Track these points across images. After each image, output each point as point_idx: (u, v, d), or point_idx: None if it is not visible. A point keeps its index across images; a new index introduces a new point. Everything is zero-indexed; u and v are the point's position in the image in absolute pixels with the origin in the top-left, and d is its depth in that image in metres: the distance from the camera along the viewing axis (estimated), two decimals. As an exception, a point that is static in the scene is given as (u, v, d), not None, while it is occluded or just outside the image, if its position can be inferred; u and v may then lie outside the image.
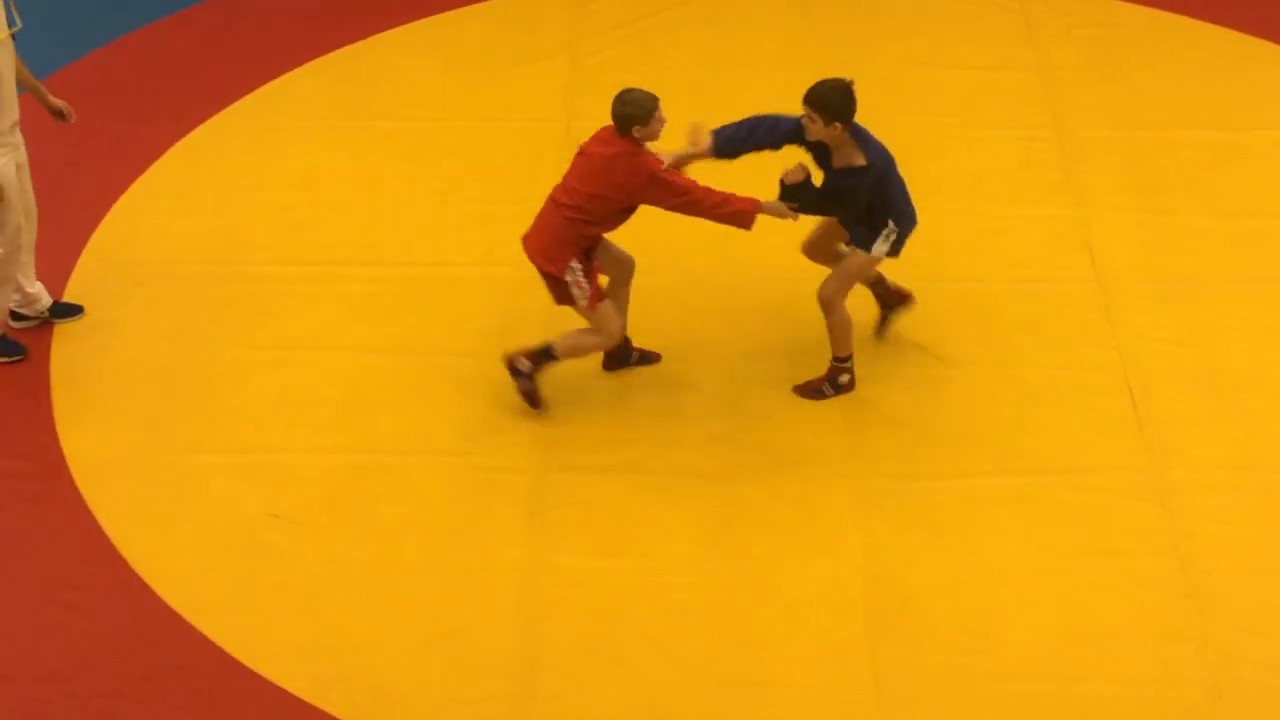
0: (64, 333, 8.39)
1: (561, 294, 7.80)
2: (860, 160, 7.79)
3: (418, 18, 10.74)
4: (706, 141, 7.89)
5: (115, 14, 10.40)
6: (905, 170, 9.36)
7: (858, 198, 7.77)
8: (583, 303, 7.76)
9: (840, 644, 7.03)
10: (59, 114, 8.21)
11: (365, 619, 7.14)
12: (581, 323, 7.91)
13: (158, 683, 6.90)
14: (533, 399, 7.97)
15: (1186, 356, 8.33)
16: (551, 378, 8.10)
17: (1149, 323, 8.51)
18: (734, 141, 7.91)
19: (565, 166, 9.17)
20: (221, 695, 6.85)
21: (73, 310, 8.52)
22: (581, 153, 7.81)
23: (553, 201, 7.78)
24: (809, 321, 8.32)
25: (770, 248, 8.51)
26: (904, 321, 8.45)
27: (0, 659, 6.96)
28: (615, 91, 9.84)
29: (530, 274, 8.65)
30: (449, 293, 8.68)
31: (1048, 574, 7.31)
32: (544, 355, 7.92)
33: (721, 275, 8.78)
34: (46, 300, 8.44)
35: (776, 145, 7.94)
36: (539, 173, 9.31)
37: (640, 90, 7.73)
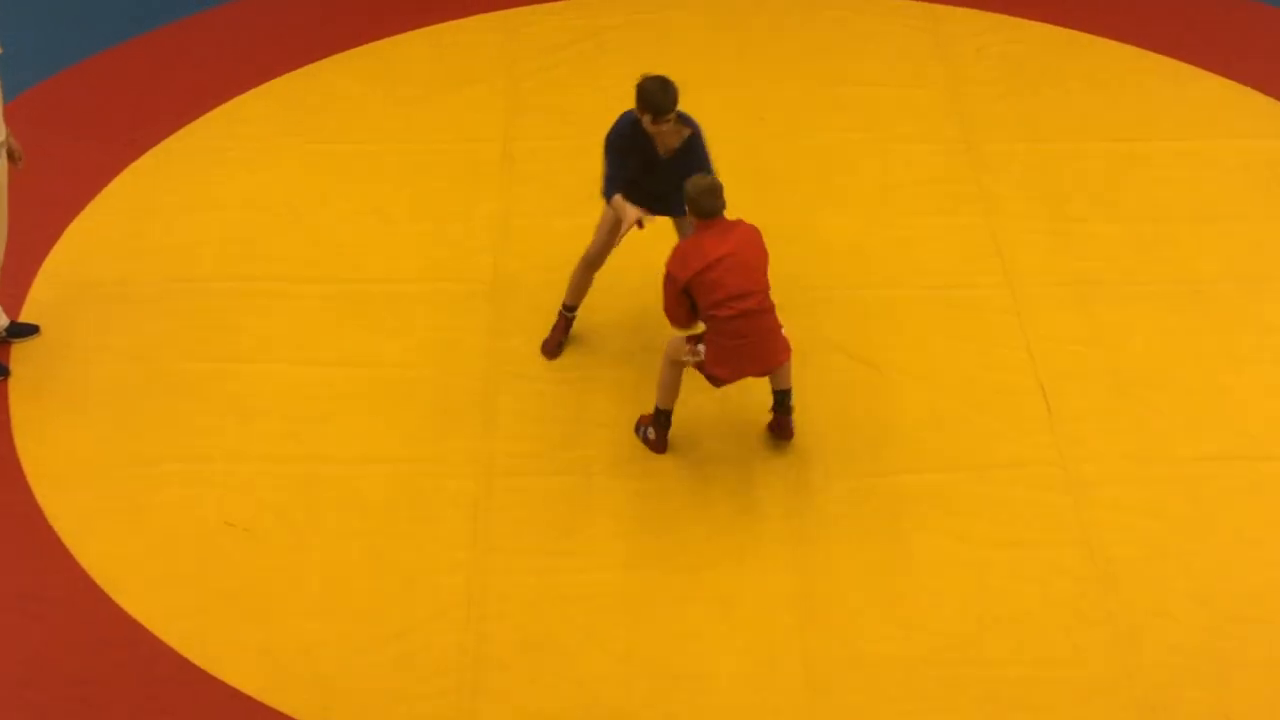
0: (20, 350, 8.29)
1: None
2: (686, 130, 7.78)
3: (361, 43, 10.68)
4: (627, 211, 7.72)
5: (70, 42, 10.26)
6: (826, 183, 9.45)
7: (700, 161, 7.70)
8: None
9: (770, 635, 7.03)
10: (13, 156, 8.08)
11: (316, 621, 7.10)
12: None
13: (117, 687, 6.84)
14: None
15: (1093, 356, 8.37)
16: (489, 391, 8.06)
17: (1058, 324, 8.54)
18: (618, 182, 7.81)
19: (502, 186, 9.21)
20: (179, 698, 6.81)
21: (28, 330, 8.40)
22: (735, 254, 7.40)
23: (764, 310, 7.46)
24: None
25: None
26: (827, 327, 8.45)
27: (-36, 667, 6.90)
28: (549, 114, 9.88)
29: (470, 288, 8.65)
30: (393, 307, 8.63)
31: (966, 564, 7.34)
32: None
33: (624, 289, 8.72)
34: (3, 320, 8.33)
35: (635, 159, 7.82)
36: (477, 192, 9.33)
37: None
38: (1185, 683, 6.84)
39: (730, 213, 9.29)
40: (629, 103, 10.04)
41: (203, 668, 6.89)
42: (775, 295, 8.55)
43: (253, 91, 10.23)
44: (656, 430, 7.82)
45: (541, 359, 8.30)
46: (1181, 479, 7.73)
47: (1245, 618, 7.11)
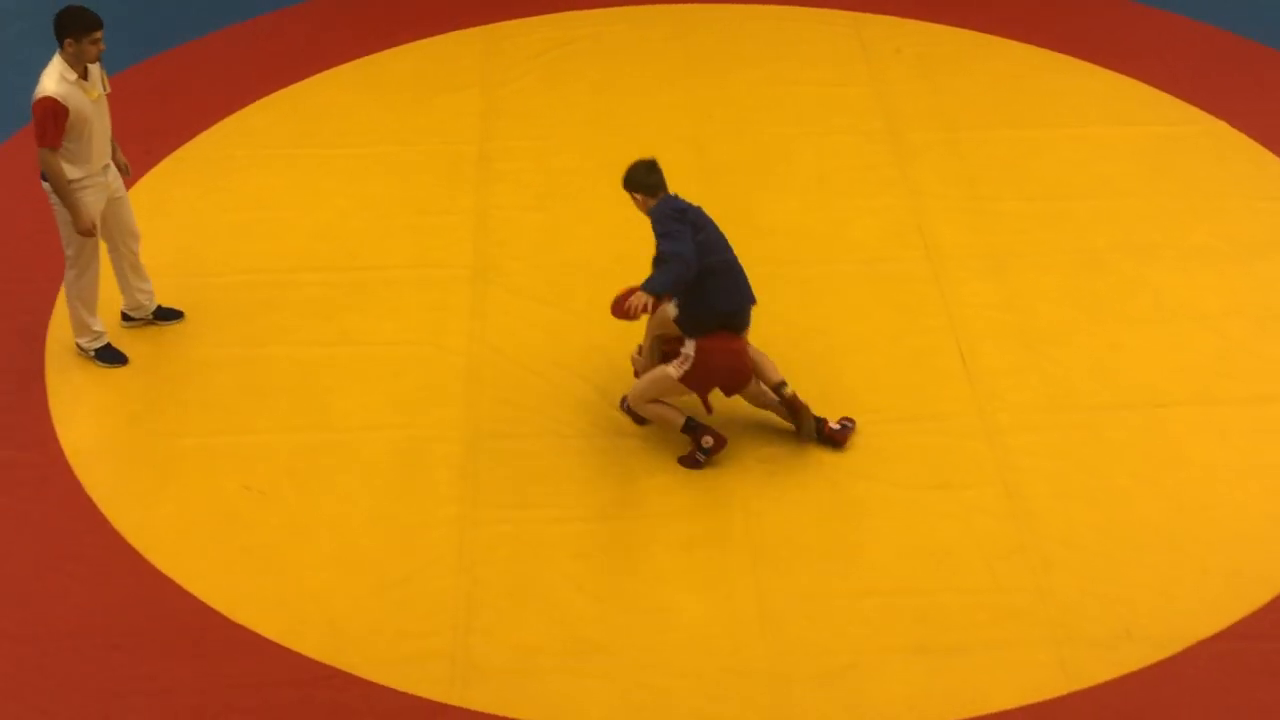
0: (55, 339, 8.23)
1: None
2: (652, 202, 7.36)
3: (353, 58, 10.63)
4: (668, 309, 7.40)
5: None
6: (766, 172, 9.45)
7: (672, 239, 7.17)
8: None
9: (727, 574, 7.05)
10: (123, 169, 8.04)
11: (325, 571, 7.09)
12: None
13: (152, 635, 6.83)
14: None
15: (1005, 319, 8.40)
16: (472, 365, 8.07)
17: (973, 292, 8.57)
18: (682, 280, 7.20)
19: (480, 183, 9.20)
20: (207, 643, 6.79)
21: (174, 314, 8.39)
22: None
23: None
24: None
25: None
26: (770, 301, 8.44)
27: (15, 622, 6.86)
28: (524, 117, 9.86)
29: (453, 273, 8.64)
30: (385, 292, 8.60)
31: (897, 505, 7.37)
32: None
33: (605, 271, 8.72)
34: (152, 305, 8.32)
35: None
36: (457, 188, 9.30)
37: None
38: (1091, 604, 6.89)
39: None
40: (590, 104, 10.09)
41: (227, 615, 6.88)
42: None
43: (256, 104, 10.17)
44: (707, 440, 7.47)
45: (516, 335, 8.28)
46: (1085, 425, 7.77)
47: (1142, 545, 7.16)
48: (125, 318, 8.33)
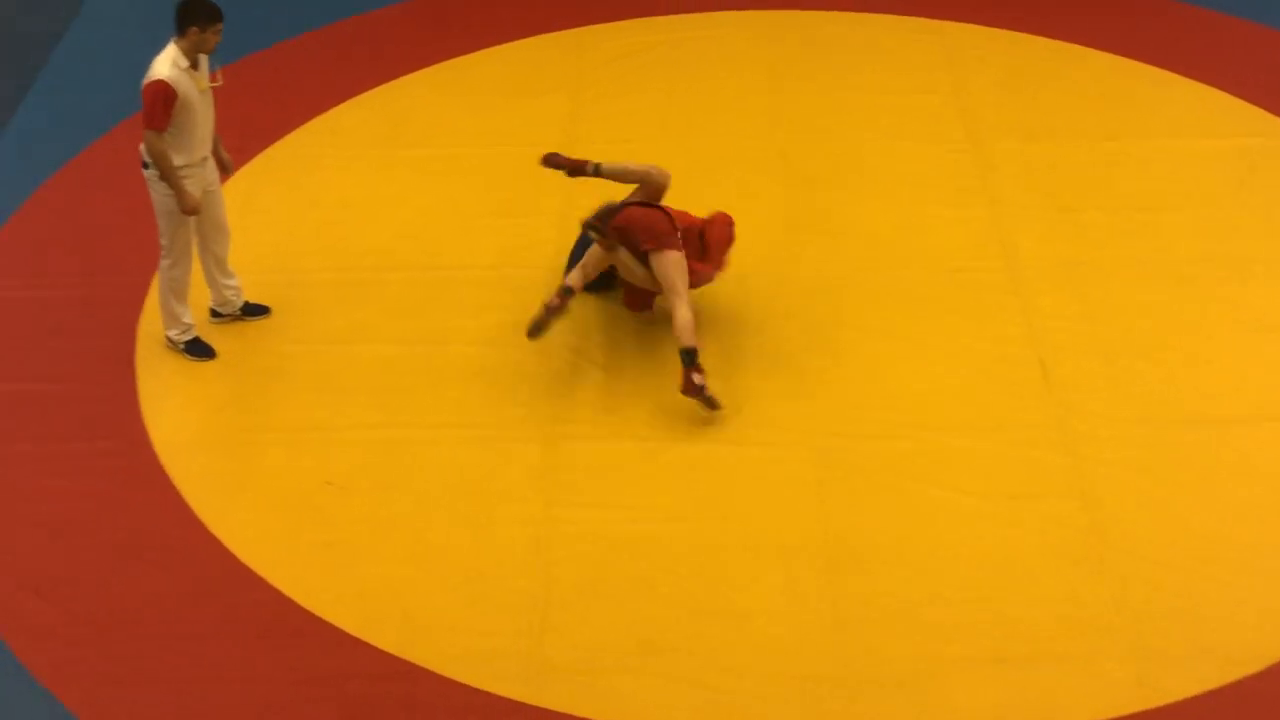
0: (146, 332, 8.31)
1: None
2: None
3: (440, 60, 10.66)
4: None
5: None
6: (847, 179, 9.39)
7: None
8: None
9: (801, 578, 6.99)
10: (224, 166, 8.12)
11: (402, 567, 7.10)
12: None
13: (232, 625, 6.87)
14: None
15: (1085, 330, 8.27)
16: (552, 365, 8.05)
17: (1053, 302, 8.45)
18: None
19: (564, 185, 9.20)
20: (284, 634, 6.83)
21: (261, 309, 8.45)
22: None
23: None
24: (769, 316, 8.31)
25: (750, 253, 8.52)
26: (847, 307, 8.40)
27: (99, 609, 6.93)
28: (607, 120, 9.87)
29: (535, 274, 8.63)
30: (467, 292, 8.61)
31: (971, 515, 7.28)
32: None
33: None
34: (239, 301, 8.39)
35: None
36: (542, 190, 9.27)
37: None
38: (1168, 619, 6.77)
39: (762, 206, 9.32)
40: (675, 108, 10.07)
41: (305, 607, 6.91)
42: (803, 277, 8.55)
43: (344, 104, 10.22)
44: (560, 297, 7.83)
45: (596, 334, 8.26)
46: (1165, 439, 7.63)
47: (1221, 560, 7.03)
48: (214, 314, 8.40)
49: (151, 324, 8.37)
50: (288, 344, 8.30)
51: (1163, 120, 9.90)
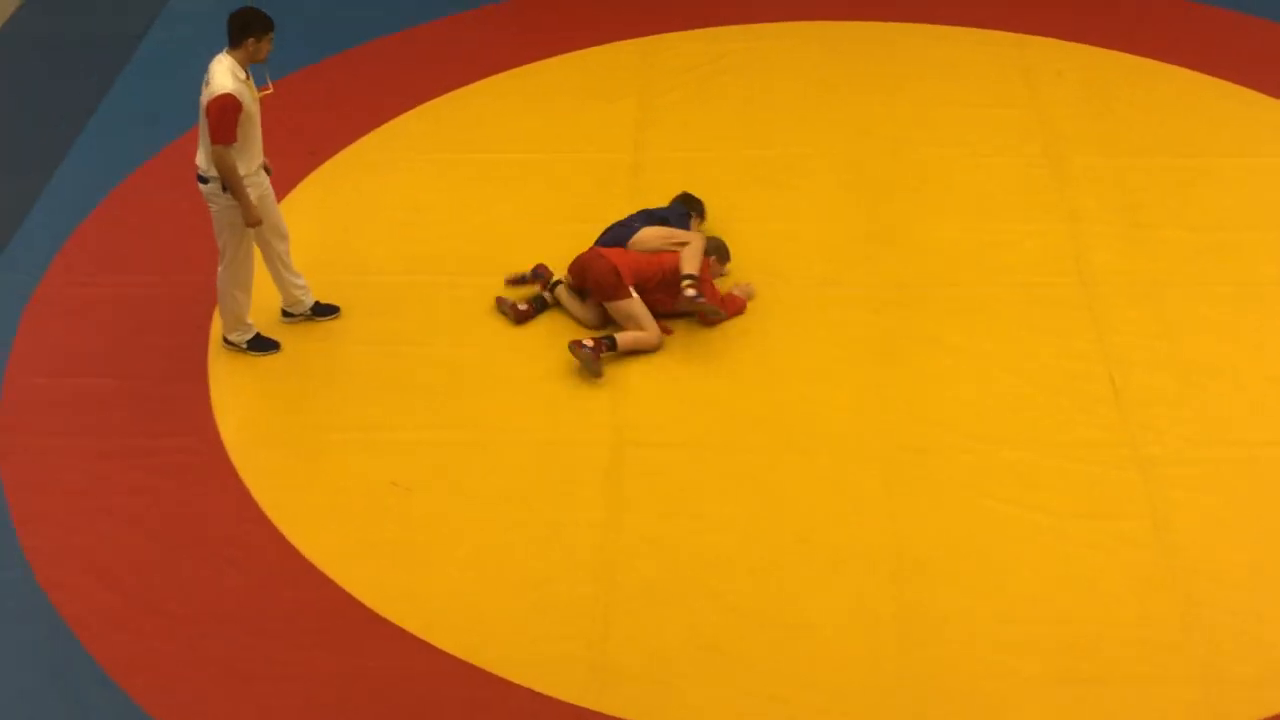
0: (219, 332, 8.41)
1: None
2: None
3: (510, 68, 10.72)
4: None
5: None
6: (923, 192, 9.38)
7: None
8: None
9: (867, 592, 6.99)
10: (267, 169, 8.18)
11: (466, 569, 7.15)
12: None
13: (297, 622, 6.95)
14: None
15: (1160, 348, 8.21)
16: (620, 372, 8.10)
17: (1128, 320, 8.40)
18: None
19: (633, 192, 9.25)
20: (349, 632, 6.89)
21: (331, 310, 8.55)
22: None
23: None
24: (836, 322, 8.33)
25: (821, 264, 8.53)
26: (922, 320, 8.39)
27: (170, 602, 7.03)
28: (678, 128, 9.88)
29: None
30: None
31: (1042, 532, 7.24)
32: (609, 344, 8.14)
33: (758, 283, 8.72)
34: (309, 301, 8.50)
35: None
36: (609, 197, 9.31)
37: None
38: (1239, 643, 6.71)
39: (833, 217, 9.31)
40: (746, 118, 10.07)
41: (370, 607, 6.97)
42: (877, 289, 8.55)
43: (415, 110, 10.30)
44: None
45: (670, 345, 8.29)
46: (1240, 460, 7.57)
47: (1296, 585, 6.97)
48: (285, 314, 8.50)
49: (220, 331, 8.47)
50: (357, 345, 8.38)
51: (1243, 138, 9.81)
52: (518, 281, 8.62)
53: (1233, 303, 8.51)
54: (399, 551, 7.25)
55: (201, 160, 7.81)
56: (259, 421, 7.95)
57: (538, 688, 6.63)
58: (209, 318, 8.49)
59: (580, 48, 10.89)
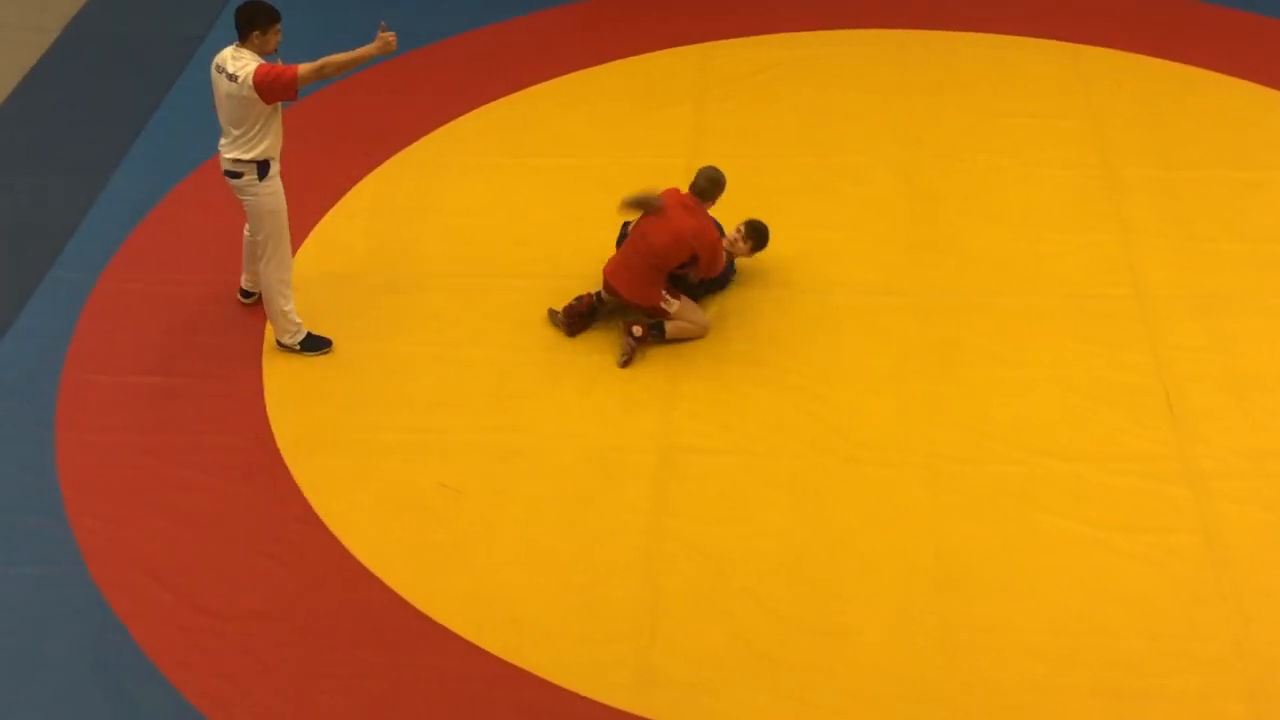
0: (272, 333, 8.50)
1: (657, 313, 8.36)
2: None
3: (564, 73, 10.77)
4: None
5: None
6: (976, 202, 9.37)
7: None
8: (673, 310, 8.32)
9: (911, 601, 7.00)
10: None
11: (514, 571, 7.21)
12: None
13: (344, 621, 7.02)
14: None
15: (1214, 362, 8.17)
16: (668, 378, 8.13)
17: (1182, 333, 8.36)
18: None
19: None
20: (396, 632, 6.96)
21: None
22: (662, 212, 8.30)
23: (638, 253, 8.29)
24: (884, 331, 8.34)
25: (873, 271, 8.52)
26: (974, 330, 8.38)
27: (218, 599, 7.12)
28: (733, 134, 9.91)
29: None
30: (588, 301, 8.73)
31: (1090, 544, 7.23)
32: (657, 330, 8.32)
33: (808, 290, 8.74)
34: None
35: None
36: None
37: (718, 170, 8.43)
38: (1291, 660, 6.69)
39: (887, 225, 9.30)
40: (801, 125, 10.09)
41: (417, 607, 7.05)
42: (928, 297, 8.56)
43: (469, 114, 10.36)
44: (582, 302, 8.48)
45: (715, 349, 8.32)
46: (1293, 475, 7.54)
47: (1348, 603, 6.92)
48: (244, 294, 8.66)
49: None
50: (409, 345, 8.46)
51: (1301, 151, 9.76)
52: (572, 316, 8.53)
53: (1288, 317, 8.46)
54: (447, 553, 7.31)
55: (232, 155, 7.90)
56: (310, 421, 8.04)
57: (582, 690, 6.68)
58: (262, 318, 8.58)
59: (638, 53, 10.93)
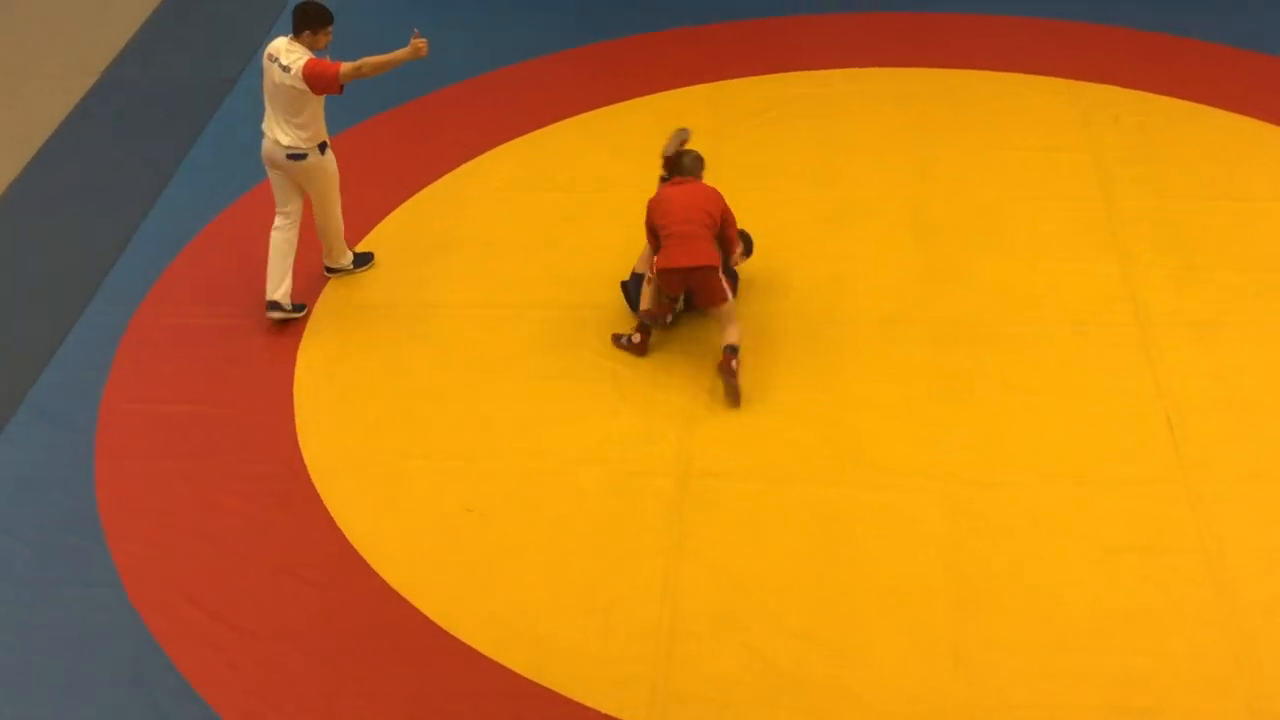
0: (303, 361, 8.48)
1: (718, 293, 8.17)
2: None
3: (588, 110, 10.76)
4: None
5: (342, 110, 10.47)
6: (982, 233, 9.31)
7: None
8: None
9: (925, 620, 6.91)
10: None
11: (537, 592, 7.14)
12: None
13: (374, 641, 6.96)
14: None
15: (1214, 388, 8.08)
16: (687, 403, 8.07)
17: (1182, 360, 8.27)
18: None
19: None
20: (423, 652, 6.90)
21: (367, 258, 9.24)
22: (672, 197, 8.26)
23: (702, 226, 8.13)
24: (894, 358, 8.27)
25: (882, 302, 8.44)
26: (980, 357, 8.31)
27: (249, 619, 7.07)
28: (747, 169, 9.88)
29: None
30: (605, 329, 8.65)
31: (1096, 564, 7.14)
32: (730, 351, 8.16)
33: (822, 320, 8.67)
34: (348, 257, 9.16)
35: None
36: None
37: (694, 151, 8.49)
38: (1293, 678, 6.59)
39: (895, 256, 9.25)
40: (809, 158, 10.05)
41: (442, 626, 6.99)
42: (936, 326, 8.50)
43: (495, 150, 10.35)
44: (641, 335, 8.38)
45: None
46: (1292, 498, 7.44)
47: (1350, 622, 6.82)
48: (329, 270, 9.13)
49: (308, 355, 8.55)
50: (435, 373, 8.41)
51: (1295, 182, 9.68)
52: (633, 341, 8.50)
53: (1284, 343, 8.38)
54: (472, 575, 7.25)
55: (289, 141, 8.35)
56: (340, 448, 7.98)
57: (603, 708, 6.60)
58: (295, 348, 8.56)
59: (654, 92, 10.91)
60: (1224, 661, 6.66)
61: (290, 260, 8.66)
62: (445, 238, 9.49)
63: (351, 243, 9.27)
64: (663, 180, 8.59)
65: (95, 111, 10.95)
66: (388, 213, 9.68)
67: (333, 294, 8.99)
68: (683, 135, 8.66)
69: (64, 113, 10.90)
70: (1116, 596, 6.97)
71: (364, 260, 9.19)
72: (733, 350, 8.10)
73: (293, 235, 8.67)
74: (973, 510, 7.43)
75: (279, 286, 8.64)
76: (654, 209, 8.29)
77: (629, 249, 9.18)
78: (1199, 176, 9.73)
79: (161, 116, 10.82)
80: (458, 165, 10.17)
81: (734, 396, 8.05)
